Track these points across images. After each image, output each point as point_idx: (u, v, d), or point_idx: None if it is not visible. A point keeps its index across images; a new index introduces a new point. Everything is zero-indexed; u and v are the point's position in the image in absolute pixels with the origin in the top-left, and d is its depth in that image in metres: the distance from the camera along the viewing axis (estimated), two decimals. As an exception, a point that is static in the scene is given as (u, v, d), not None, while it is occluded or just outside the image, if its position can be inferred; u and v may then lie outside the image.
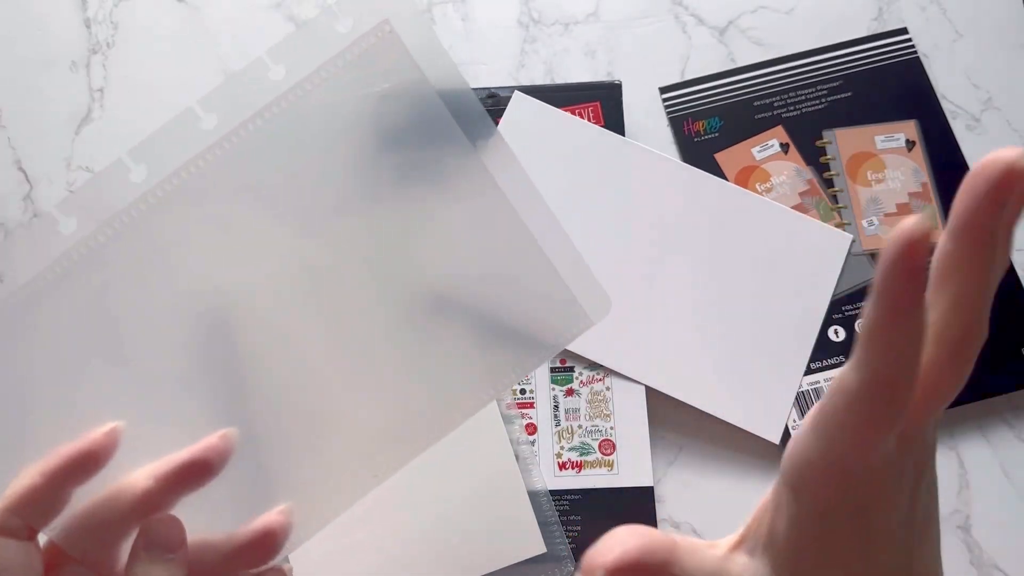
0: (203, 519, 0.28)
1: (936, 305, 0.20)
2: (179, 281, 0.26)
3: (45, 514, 0.27)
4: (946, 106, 0.53)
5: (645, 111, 0.54)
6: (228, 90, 0.24)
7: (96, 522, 0.27)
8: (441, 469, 0.45)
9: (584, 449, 0.47)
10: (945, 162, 0.52)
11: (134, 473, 0.27)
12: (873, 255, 0.50)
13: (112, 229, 0.24)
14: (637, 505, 0.45)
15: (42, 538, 0.28)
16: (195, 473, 0.28)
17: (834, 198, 0.51)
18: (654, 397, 0.48)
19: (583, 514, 0.45)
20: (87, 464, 0.27)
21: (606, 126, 0.52)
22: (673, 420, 0.48)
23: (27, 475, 0.26)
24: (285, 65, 0.24)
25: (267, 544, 0.30)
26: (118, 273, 0.25)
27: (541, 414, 0.47)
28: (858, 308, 0.49)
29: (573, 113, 0.52)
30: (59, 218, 0.24)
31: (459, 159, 0.27)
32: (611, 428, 0.47)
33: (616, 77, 0.54)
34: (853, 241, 0.50)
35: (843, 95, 0.53)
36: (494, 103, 0.52)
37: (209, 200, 0.25)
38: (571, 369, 0.48)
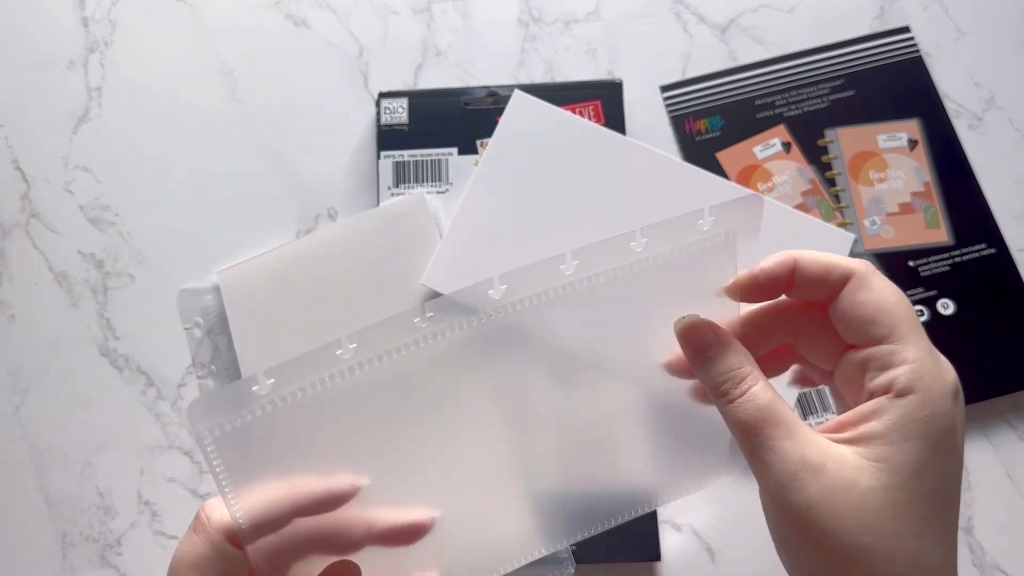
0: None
1: None
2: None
3: (263, 535, 0.28)
4: (948, 105, 0.53)
5: (646, 110, 0.53)
6: (596, 248, 0.29)
7: (300, 553, 0.29)
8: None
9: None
10: (948, 161, 0.51)
11: (354, 521, 0.29)
12: (876, 255, 0.50)
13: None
14: (638, 506, 0.45)
15: None
16: (401, 540, 0.30)
17: (836, 197, 0.51)
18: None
19: (584, 515, 0.45)
20: (323, 505, 0.28)
21: (606, 125, 0.52)
22: (674, 421, 0.47)
23: (269, 498, 0.27)
24: (648, 239, 0.29)
25: None
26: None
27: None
28: (860, 308, 0.49)
29: (573, 112, 0.52)
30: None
31: None
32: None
33: (617, 76, 0.54)
34: (855, 241, 0.50)
35: (845, 94, 0.53)
36: (494, 101, 0.52)
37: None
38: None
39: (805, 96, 0.53)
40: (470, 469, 0.32)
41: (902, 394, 0.25)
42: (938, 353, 0.26)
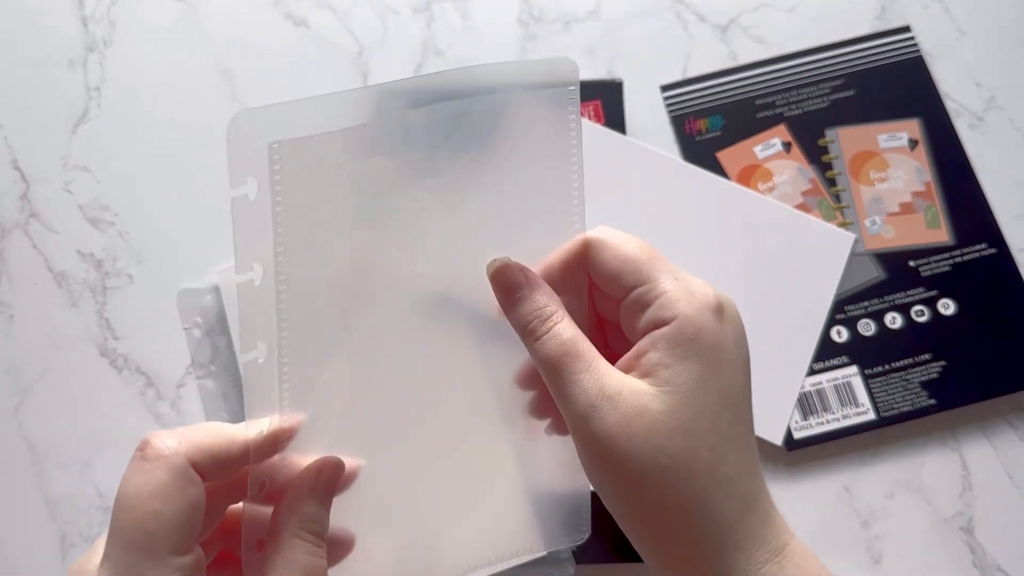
0: None
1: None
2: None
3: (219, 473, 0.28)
4: (949, 105, 0.53)
5: (646, 110, 0.53)
6: None
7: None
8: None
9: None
10: (948, 161, 0.51)
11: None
12: (877, 255, 0.50)
13: None
14: (638, 507, 0.45)
15: None
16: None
17: (837, 197, 0.51)
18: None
19: (584, 516, 0.45)
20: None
21: (607, 124, 0.52)
22: (674, 421, 0.47)
23: (224, 440, 0.28)
24: None
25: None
26: None
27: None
28: (861, 308, 0.49)
29: (574, 112, 0.52)
30: None
31: None
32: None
33: (617, 75, 0.54)
34: (856, 241, 0.50)
35: (846, 94, 0.53)
36: (494, 102, 0.52)
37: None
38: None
39: (806, 96, 0.53)
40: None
41: (666, 322, 0.27)
42: (690, 277, 0.28)
